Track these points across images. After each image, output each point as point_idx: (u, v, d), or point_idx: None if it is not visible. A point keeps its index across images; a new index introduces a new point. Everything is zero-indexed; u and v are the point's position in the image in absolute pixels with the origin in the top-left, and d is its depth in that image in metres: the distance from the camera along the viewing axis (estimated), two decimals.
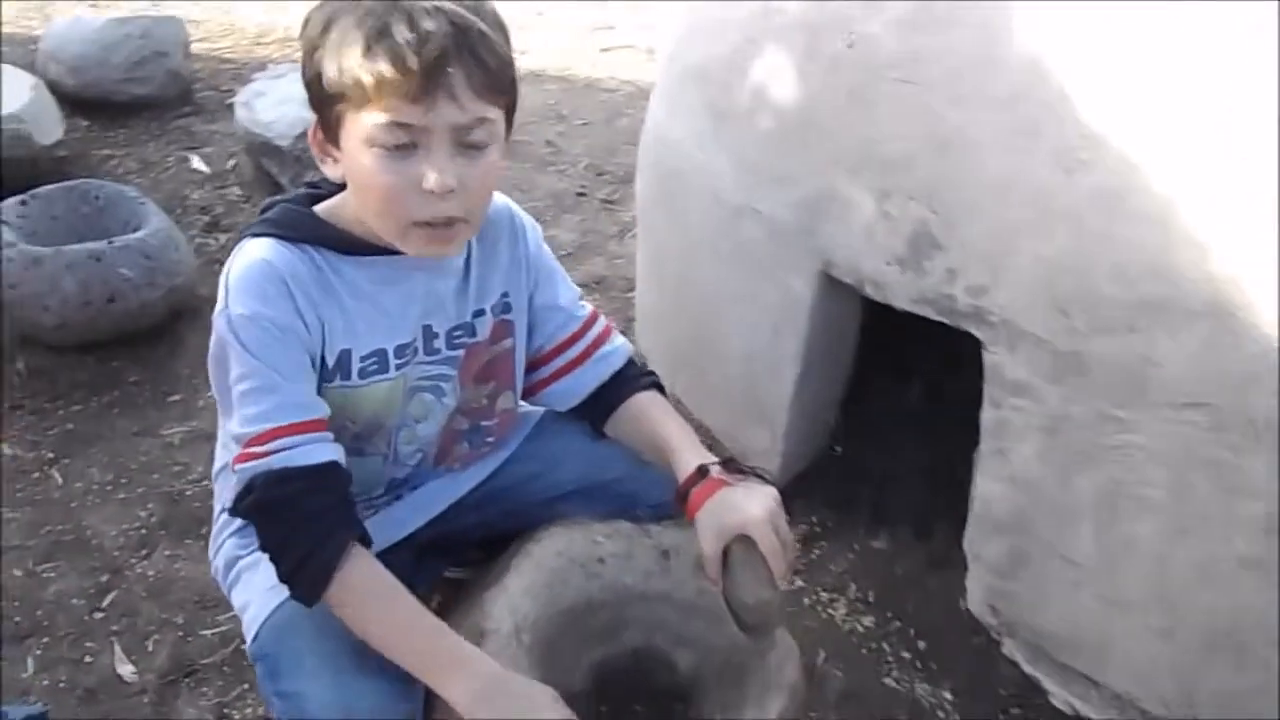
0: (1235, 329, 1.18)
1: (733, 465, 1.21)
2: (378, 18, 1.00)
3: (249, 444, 1.10)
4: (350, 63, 1.01)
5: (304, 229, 1.14)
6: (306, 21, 1.08)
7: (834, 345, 1.72)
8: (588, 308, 1.38)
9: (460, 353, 1.25)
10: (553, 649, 1.28)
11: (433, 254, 1.13)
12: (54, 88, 2.99)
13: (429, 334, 1.22)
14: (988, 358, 1.39)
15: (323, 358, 1.14)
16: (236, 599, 1.27)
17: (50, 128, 2.72)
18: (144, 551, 1.75)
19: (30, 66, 3.07)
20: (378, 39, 1.00)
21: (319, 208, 1.17)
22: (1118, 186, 1.22)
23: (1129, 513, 1.31)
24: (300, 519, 1.09)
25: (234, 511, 1.14)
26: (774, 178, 1.58)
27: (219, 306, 1.10)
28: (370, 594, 1.10)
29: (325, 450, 1.11)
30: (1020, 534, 1.44)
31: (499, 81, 1.05)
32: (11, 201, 2.18)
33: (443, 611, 1.36)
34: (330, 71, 1.03)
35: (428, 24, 1.00)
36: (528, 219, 1.31)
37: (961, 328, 1.40)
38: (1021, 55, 1.33)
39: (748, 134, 1.62)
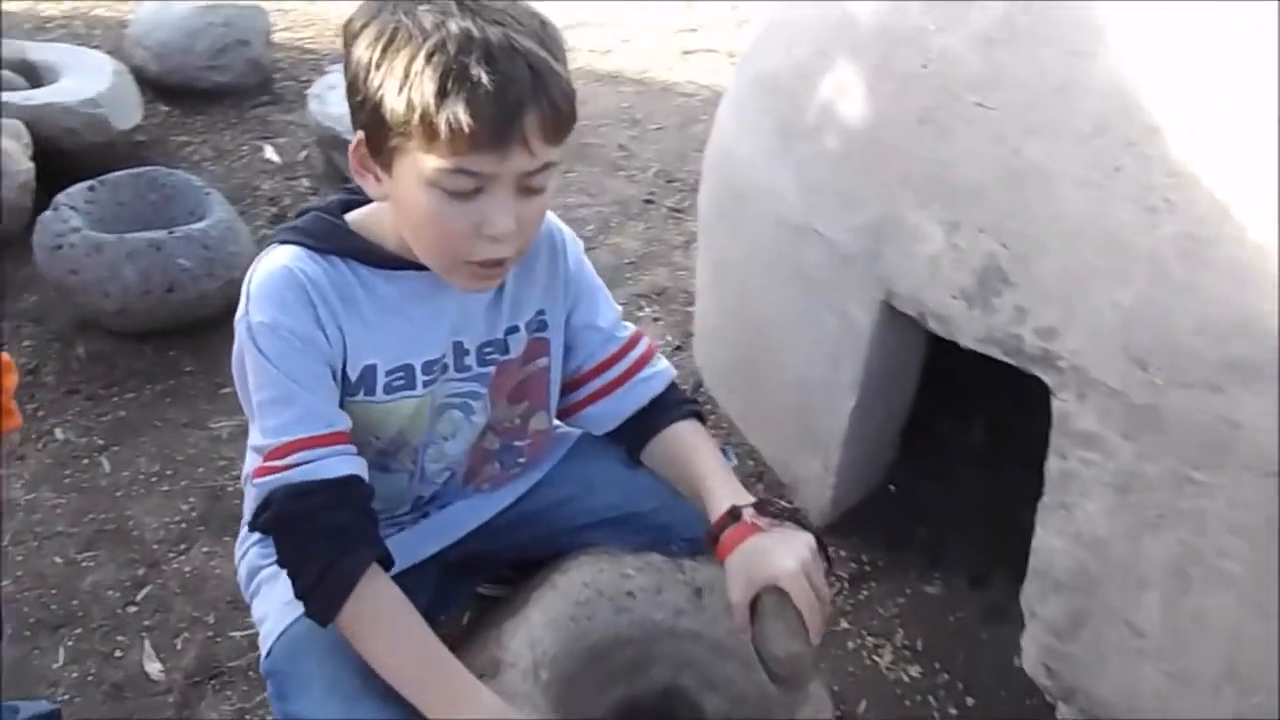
0: None
1: (768, 507, 1.14)
2: (450, 54, 0.93)
3: (268, 457, 1.07)
4: (421, 101, 0.93)
5: (333, 239, 1.10)
6: (355, 33, 1.00)
7: (894, 378, 1.63)
8: (629, 329, 1.32)
9: (491, 370, 1.20)
10: (572, 686, 1.22)
11: (479, 289, 1.10)
12: (139, 73, 3.03)
13: (460, 350, 1.17)
14: (1056, 405, 1.29)
15: (344, 372, 1.10)
16: (256, 610, 1.25)
17: (129, 113, 2.75)
18: (182, 546, 1.74)
19: (118, 51, 3.12)
20: (454, 82, 0.92)
21: (351, 216, 1.13)
22: (1204, 232, 1.12)
23: (1202, 584, 1.21)
24: (318, 534, 1.06)
25: (253, 526, 1.11)
26: (838, 199, 1.50)
27: (240, 312, 1.07)
28: (381, 619, 1.07)
29: (345, 464, 1.07)
30: (1082, 594, 1.34)
31: (568, 123, 0.99)
32: (80, 187, 2.20)
33: (473, 629, 1.32)
34: (395, 103, 0.95)
35: (506, 67, 0.93)
36: (568, 233, 1.25)
37: (1028, 371, 1.31)
38: (1107, 81, 1.23)
39: (814, 151, 1.55)
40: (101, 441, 1.95)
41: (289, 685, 1.11)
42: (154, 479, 1.87)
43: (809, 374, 1.66)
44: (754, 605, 1.08)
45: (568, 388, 1.31)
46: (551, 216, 1.25)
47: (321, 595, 1.05)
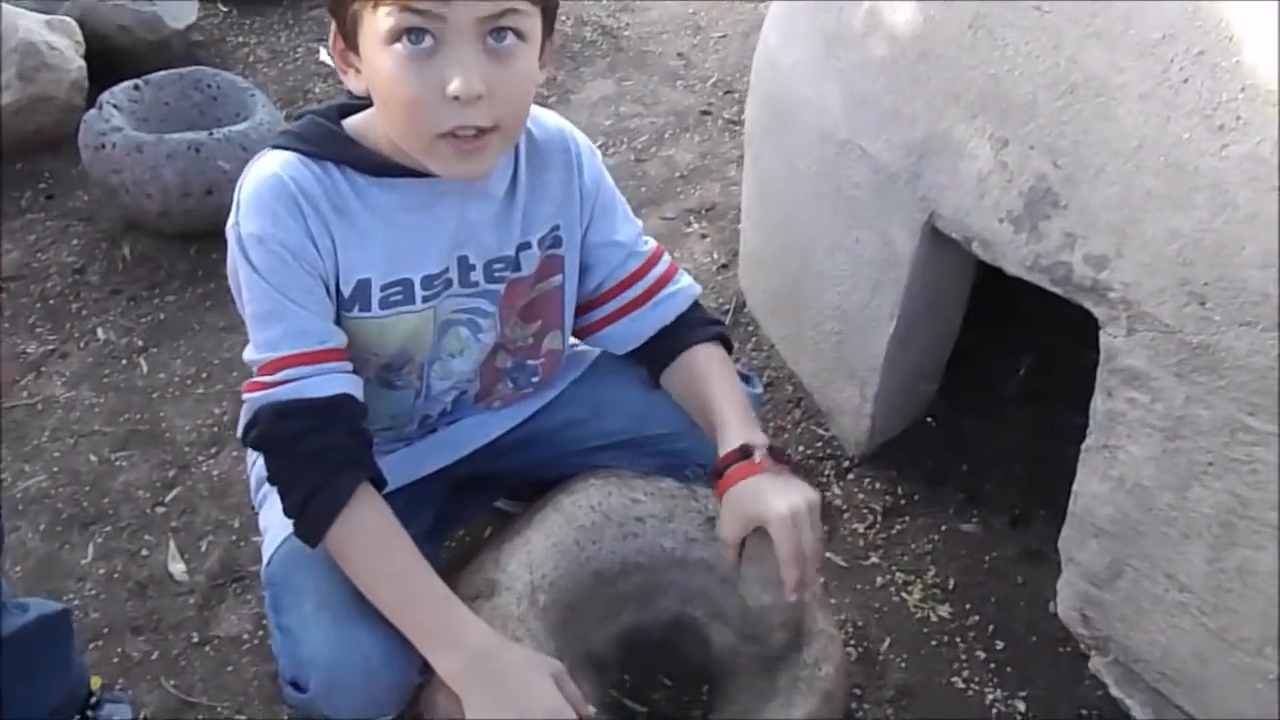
0: None
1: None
2: None
3: (258, 372, 1.05)
4: None
5: (328, 145, 1.05)
6: None
7: (937, 306, 1.54)
8: (651, 244, 1.26)
9: (500, 287, 1.16)
10: (574, 612, 1.19)
11: (463, 173, 1.02)
12: None
13: (464, 265, 1.12)
14: (1104, 339, 1.20)
15: (338, 286, 1.06)
16: (262, 520, 1.24)
17: (183, 12, 2.72)
18: (213, 449, 1.74)
19: None
20: None
21: (349, 122, 1.08)
22: (1276, 156, 1.00)
23: (1250, 538, 1.12)
24: (304, 457, 1.03)
25: (243, 441, 1.09)
26: (883, 113, 1.40)
27: (230, 220, 1.04)
28: (369, 544, 1.04)
29: (335, 382, 1.04)
30: (1123, 542, 1.26)
31: None
32: (125, 86, 2.18)
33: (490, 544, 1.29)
34: None
35: None
36: (584, 144, 1.18)
37: (1076, 301, 1.21)
38: None
39: (859, 62, 1.44)
40: (141, 343, 1.96)
41: (283, 598, 1.10)
42: (189, 382, 1.88)
43: (848, 298, 1.58)
44: (744, 546, 1.04)
45: (586, 307, 1.26)
46: (569, 126, 1.19)
47: (308, 518, 1.03)
